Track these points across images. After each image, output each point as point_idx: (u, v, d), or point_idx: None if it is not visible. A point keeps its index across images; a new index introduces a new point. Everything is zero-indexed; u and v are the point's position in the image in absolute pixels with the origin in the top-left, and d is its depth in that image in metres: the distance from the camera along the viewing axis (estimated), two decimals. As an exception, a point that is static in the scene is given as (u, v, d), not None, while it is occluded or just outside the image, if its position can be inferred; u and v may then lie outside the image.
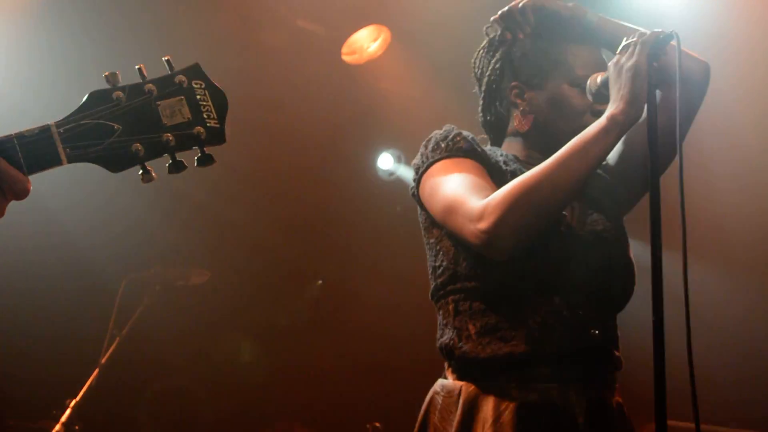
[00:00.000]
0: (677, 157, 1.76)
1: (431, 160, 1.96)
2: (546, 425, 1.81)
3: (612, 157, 2.09)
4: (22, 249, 4.62)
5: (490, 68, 2.14)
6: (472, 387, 1.86)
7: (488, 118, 2.17)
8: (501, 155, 2.05)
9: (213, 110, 1.47)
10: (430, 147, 1.99)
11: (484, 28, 2.20)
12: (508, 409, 1.80)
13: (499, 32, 2.15)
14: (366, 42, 5.05)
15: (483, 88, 2.17)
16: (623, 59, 1.79)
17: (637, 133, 1.83)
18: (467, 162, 1.93)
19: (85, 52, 4.31)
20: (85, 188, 4.46)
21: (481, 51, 2.20)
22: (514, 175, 1.91)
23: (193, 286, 5.04)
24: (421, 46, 4.94)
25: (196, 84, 1.46)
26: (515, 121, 2.08)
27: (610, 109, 1.77)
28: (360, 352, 5.37)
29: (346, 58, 5.09)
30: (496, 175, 1.95)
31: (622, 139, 1.90)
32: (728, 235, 4.89)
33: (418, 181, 2.01)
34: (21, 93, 4.25)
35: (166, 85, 1.44)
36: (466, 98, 2.34)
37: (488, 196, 1.79)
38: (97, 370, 4.56)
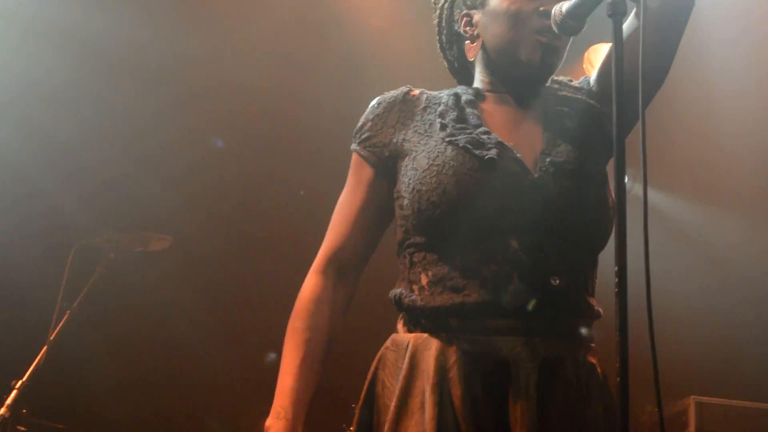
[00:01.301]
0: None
1: (352, 146, 1.96)
2: (495, 383, 1.67)
3: (597, 80, 1.96)
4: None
5: (442, 1, 2.04)
6: (420, 339, 1.75)
7: (450, 59, 2.07)
8: (449, 97, 1.92)
9: None
10: (357, 126, 1.96)
11: None
12: (455, 366, 1.68)
13: None
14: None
15: (436, 27, 2.05)
16: None
17: (627, 52, 1.57)
18: (360, 169, 1.92)
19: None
20: (30, 150, 4.04)
21: None
22: (444, 127, 1.83)
23: (152, 252, 4.59)
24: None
25: None
26: (466, 51, 1.98)
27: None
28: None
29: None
30: (424, 130, 1.86)
31: (606, 61, 1.92)
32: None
33: None
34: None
35: None
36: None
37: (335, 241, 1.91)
38: (45, 348, 4.13)
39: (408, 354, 1.73)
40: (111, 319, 4.71)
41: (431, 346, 1.72)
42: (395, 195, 1.87)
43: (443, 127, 1.84)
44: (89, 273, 4.40)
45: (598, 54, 5.67)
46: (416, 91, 1.95)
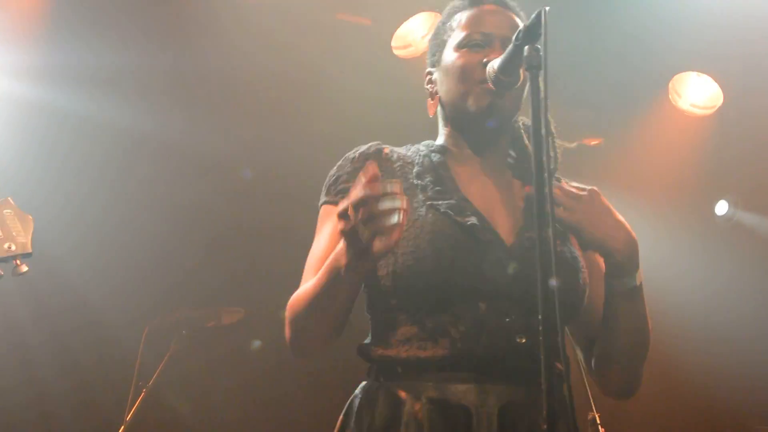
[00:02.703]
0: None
1: (320, 201, 1.98)
2: (459, 427, 1.74)
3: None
4: (26, 300, 4.34)
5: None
6: (388, 388, 1.81)
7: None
8: (423, 158, 1.97)
9: (21, 230, 2.16)
10: (325, 181, 1.99)
11: None
12: (422, 411, 1.75)
13: None
14: (419, 31, 4.50)
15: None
16: None
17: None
18: (332, 216, 1.87)
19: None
20: (96, 236, 4.29)
21: None
22: (424, 189, 1.88)
23: (225, 326, 4.58)
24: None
25: (6, 211, 2.16)
26: (428, 108, 2.05)
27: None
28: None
29: (398, 52, 4.55)
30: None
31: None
32: None
33: None
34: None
35: None
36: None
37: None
38: (122, 428, 4.15)
39: (377, 401, 1.80)
40: (187, 396, 4.70)
41: (398, 394, 1.78)
42: None
43: (423, 189, 1.88)
44: (163, 351, 4.42)
45: (682, 82, 5.41)
46: (387, 149, 1.99)
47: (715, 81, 5.13)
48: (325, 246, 1.88)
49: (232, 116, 4.50)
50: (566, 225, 1.81)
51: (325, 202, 1.95)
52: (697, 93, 5.26)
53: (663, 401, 5.35)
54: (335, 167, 1.99)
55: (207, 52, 4.29)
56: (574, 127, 5.56)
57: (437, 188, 1.88)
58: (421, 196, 1.87)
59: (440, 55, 2.00)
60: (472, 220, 1.82)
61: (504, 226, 1.88)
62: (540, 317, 1.47)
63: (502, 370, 1.77)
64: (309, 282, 1.80)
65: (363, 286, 1.91)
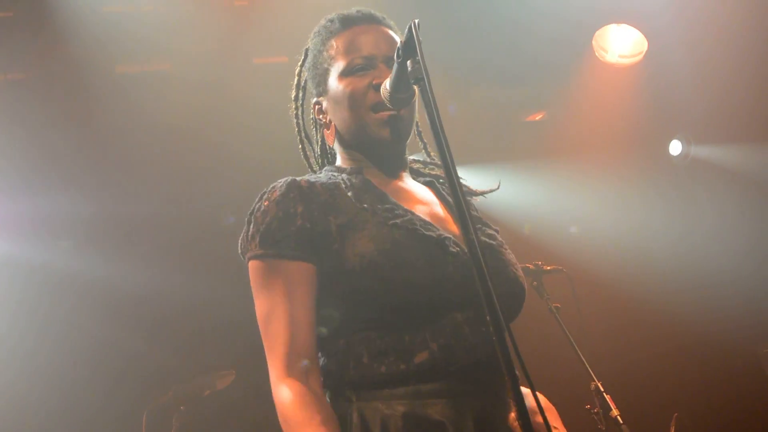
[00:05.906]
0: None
1: (249, 254, 1.82)
2: None
3: None
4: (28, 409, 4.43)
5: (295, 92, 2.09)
6: (361, 407, 1.77)
7: (315, 145, 2.10)
8: (348, 181, 1.91)
9: None
10: (249, 230, 1.83)
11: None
12: (396, 427, 1.73)
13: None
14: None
15: (294, 117, 2.09)
16: None
17: None
18: (286, 270, 1.79)
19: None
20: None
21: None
22: (374, 211, 1.83)
23: (220, 391, 4.51)
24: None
25: None
26: (326, 138, 2.02)
27: None
28: None
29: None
30: (349, 217, 1.83)
31: None
32: None
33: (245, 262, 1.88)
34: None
35: None
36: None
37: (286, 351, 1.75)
38: None
39: (353, 422, 1.74)
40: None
41: (373, 413, 1.74)
42: (332, 282, 1.80)
43: (373, 211, 1.82)
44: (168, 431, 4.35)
45: (604, 37, 5.44)
46: (304, 181, 1.86)
47: (635, 27, 5.17)
48: (289, 302, 1.78)
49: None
50: None
51: (267, 256, 1.79)
52: (621, 43, 5.29)
53: (667, 346, 5.36)
54: (259, 212, 1.83)
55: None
56: (516, 107, 5.61)
57: (385, 206, 1.84)
58: (373, 218, 1.81)
59: (325, 85, 1.98)
60: (440, 232, 1.81)
61: (452, 235, 1.86)
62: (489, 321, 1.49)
63: (476, 380, 1.77)
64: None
65: (328, 313, 1.84)
